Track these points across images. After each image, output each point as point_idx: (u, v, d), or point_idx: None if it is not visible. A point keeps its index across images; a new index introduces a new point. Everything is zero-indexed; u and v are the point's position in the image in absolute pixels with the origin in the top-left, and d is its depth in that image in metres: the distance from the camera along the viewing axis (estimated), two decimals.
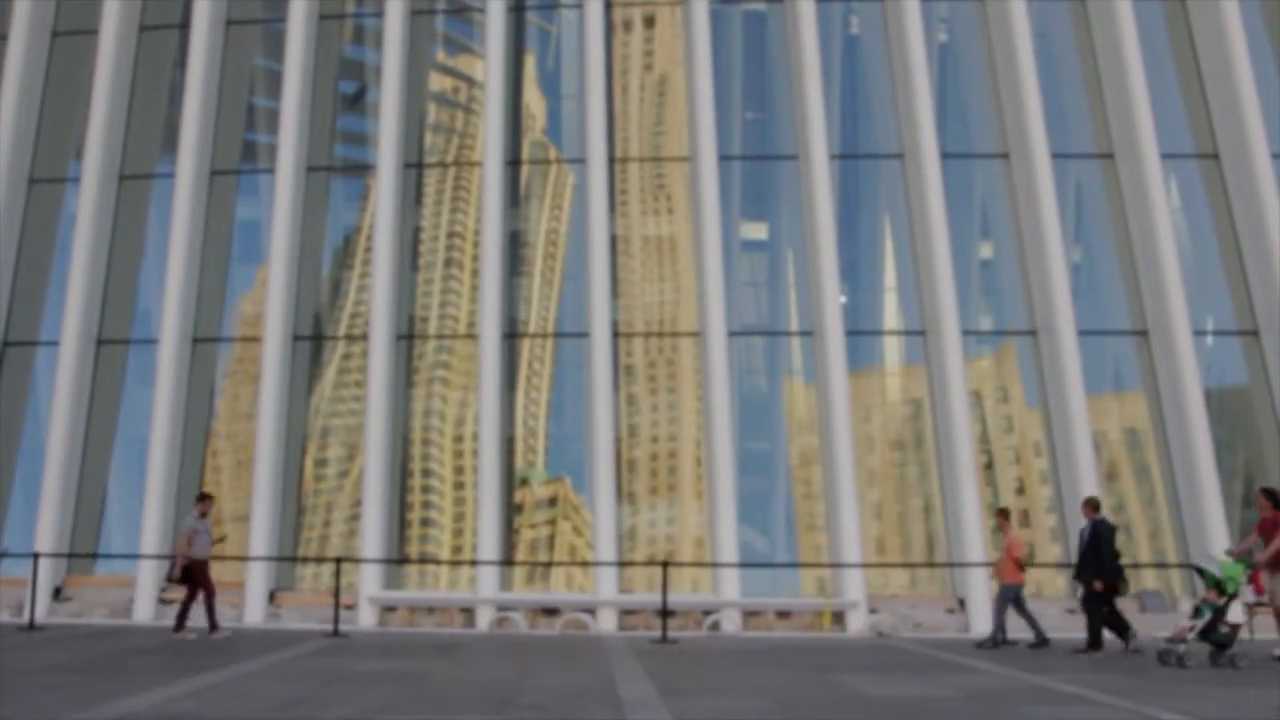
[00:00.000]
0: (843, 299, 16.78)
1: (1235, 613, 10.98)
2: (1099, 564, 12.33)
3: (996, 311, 17.85)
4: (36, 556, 14.83)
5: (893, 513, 16.82)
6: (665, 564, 14.45)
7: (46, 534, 16.09)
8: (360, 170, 18.69)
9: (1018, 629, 13.35)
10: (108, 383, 17.53)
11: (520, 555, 16.56)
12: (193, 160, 17.52)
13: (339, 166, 18.77)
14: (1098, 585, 12.30)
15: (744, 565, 15.57)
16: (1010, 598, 13.17)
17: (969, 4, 18.22)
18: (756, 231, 18.77)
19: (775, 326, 17.94)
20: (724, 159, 17.41)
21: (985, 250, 18.01)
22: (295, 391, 17.23)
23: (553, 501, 17.00)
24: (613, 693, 8.58)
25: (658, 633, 14.16)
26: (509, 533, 16.55)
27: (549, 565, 16.66)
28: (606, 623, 15.42)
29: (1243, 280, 16.69)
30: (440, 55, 19.49)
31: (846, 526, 15.26)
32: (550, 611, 15.70)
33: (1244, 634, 11.78)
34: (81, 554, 16.65)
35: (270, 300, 16.88)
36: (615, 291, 17.29)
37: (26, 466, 17.30)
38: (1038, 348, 16.60)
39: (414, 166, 18.23)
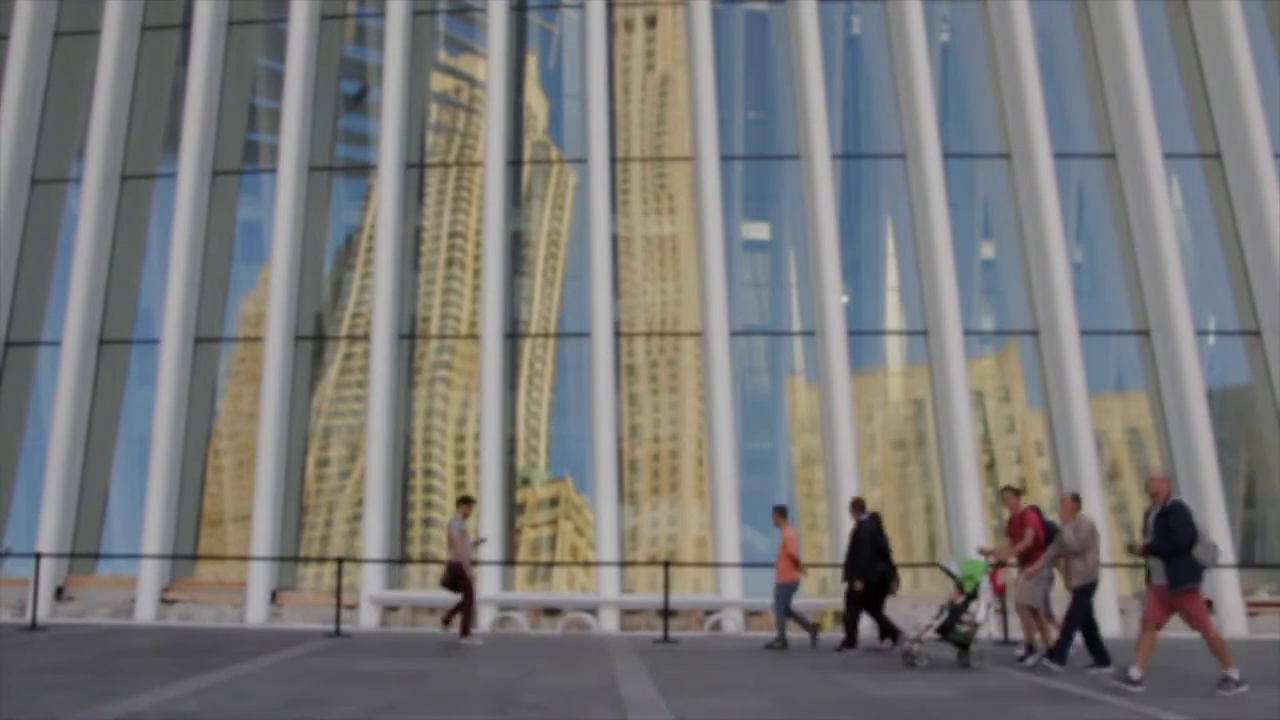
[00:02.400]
0: (845, 299, 16.77)
1: (980, 612, 10.79)
2: (857, 564, 12.15)
3: (998, 311, 17.83)
4: (38, 556, 14.84)
5: (894, 512, 16.81)
6: (667, 564, 14.45)
7: (48, 534, 16.10)
8: (362, 170, 18.69)
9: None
10: (109, 383, 17.54)
11: (522, 555, 16.56)
12: (194, 160, 17.53)
13: (341, 166, 18.77)
14: (859, 585, 12.09)
15: (746, 565, 15.56)
16: (787, 596, 12.90)
17: (971, 4, 18.21)
18: (758, 231, 18.76)
19: (777, 326, 17.93)
20: (726, 159, 17.40)
21: (987, 250, 18.00)
22: (297, 391, 17.24)
23: (554, 501, 17.00)
24: (614, 692, 8.58)
25: (660, 632, 14.16)
26: (511, 532, 16.55)
27: (551, 565, 16.66)
28: (608, 622, 15.41)
29: (1245, 280, 16.68)
30: (442, 55, 19.49)
31: (848, 526, 15.22)
32: (552, 611, 15.70)
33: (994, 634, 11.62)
34: (83, 554, 16.66)
35: (272, 300, 16.89)
36: (617, 291, 17.29)
37: (28, 466, 17.31)
38: (1039, 347, 16.59)
39: (416, 166, 18.24)
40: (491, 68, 17.53)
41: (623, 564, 15.91)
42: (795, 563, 12.87)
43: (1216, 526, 14.98)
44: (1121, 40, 16.85)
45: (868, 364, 17.36)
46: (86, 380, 17.19)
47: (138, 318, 18.01)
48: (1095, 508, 15.17)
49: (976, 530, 15.21)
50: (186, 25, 18.52)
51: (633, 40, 18.88)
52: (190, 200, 17.34)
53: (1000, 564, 11.39)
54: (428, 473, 17.10)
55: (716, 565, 15.46)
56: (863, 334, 17.24)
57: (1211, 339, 17.06)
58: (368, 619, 15.55)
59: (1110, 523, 15.84)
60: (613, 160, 17.71)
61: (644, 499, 16.79)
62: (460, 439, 17.20)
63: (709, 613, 15.35)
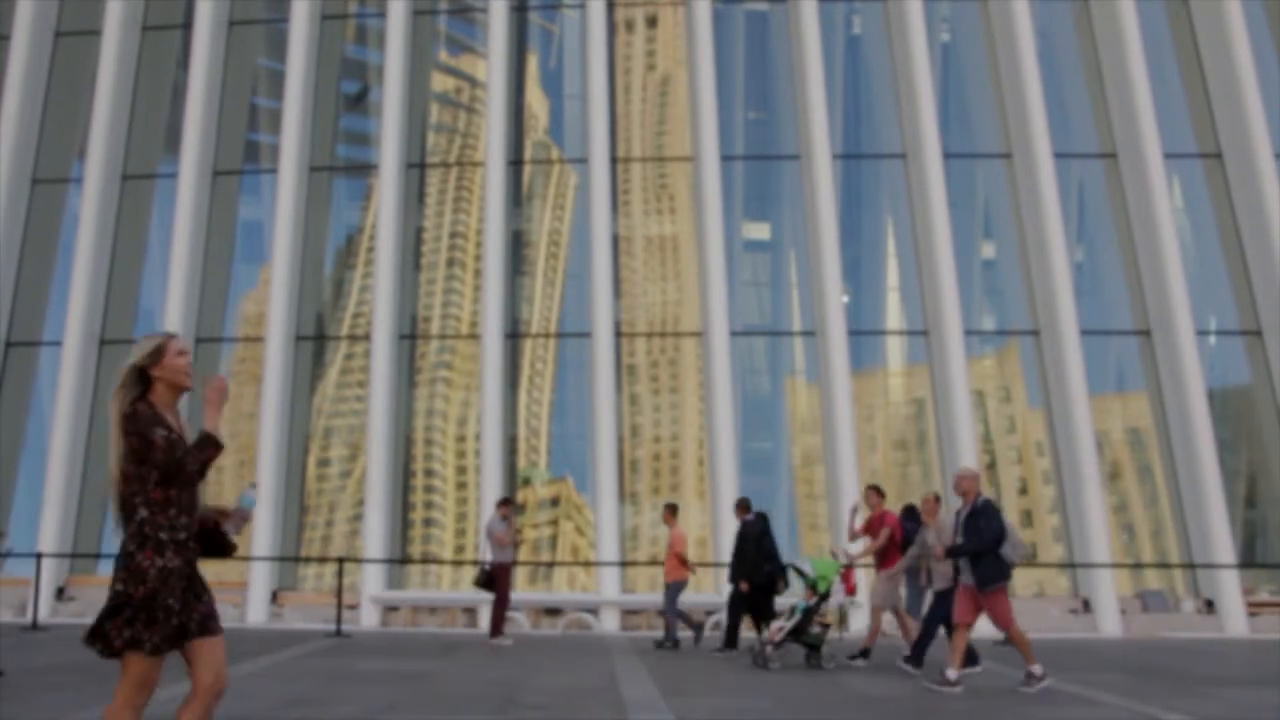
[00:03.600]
0: (845, 299, 16.77)
1: (833, 612, 10.74)
2: (742, 565, 12.07)
3: (999, 311, 17.84)
4: (40, 557, 14.84)
5: (895, 513, 16.79)
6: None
7: (50, 534, 16.11)
8: (363, 170, 18.70)
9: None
10: (111, 382, 17.48)
11: (523, 555, 16.55)
12: (195, 160, 17.54)
13: (341, 166, 18.78)
14: (743, 586, 11.94)
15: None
16: (675, 595, 12.81)
17: (971, 4, 18.21)
18: (759, 231, 18.77)
19: (778, 326, 17.94)
20: (726, 159, 17.40)
21: (988, 250, 18.00)
22: (298, 391, 17.24)
23: (555, 501, 17.01)
24: (615, 692, 8.58)
25: (660, 633, 14.14)
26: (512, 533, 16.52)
27: (551, 565, 16.67)
28: (609, 622, 15.42)
29: (1245, 280, 16.68)
30: (443, 55, 19.49)
31: (848, 526, 15.22)
32: (553, 611, 15.70)
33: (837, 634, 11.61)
34: (85, 554, 16.66)
35: (273, 300, 16.90)
36: (618, 291, 17.29)
37: (29, 467, 17.32)
38: (1040, 347, 16.59)
39: (416, 166, 18.24)
40: (492, 68, 17.53)
41: (623, 564, 15.91)
42: (683, 562, 12.84)
43: (1217, 526, 14.97)
44: (1122, 40, 16.85)
45: (868, 364, 17.37)
46: (88, 380, 17.20)
47: (139, 318, 18.03)
48: (1096, 508, 15.19)
49: None
50: (187, 25, 18.53)
51: (633, 40, 18.88)
52: (191, 200, 17.35)
53: (852, 564, 11.31)
54: (428, 473, 17.11)
55: (717, 565, 15.45)
56: (863, 334, 17.24)
57: (1212, 339, 17.06)
58: (368, 619, 15.55)
59: (1111, 522, 15.84)
60: (613, 160, 17.72)
61: (645, 499, 16.79)
62: (461, 439, 17.20)
63: (709, 613, 15.35)
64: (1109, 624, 14.86)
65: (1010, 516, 16.46)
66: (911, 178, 17.19)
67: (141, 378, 3.96)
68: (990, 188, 17.78)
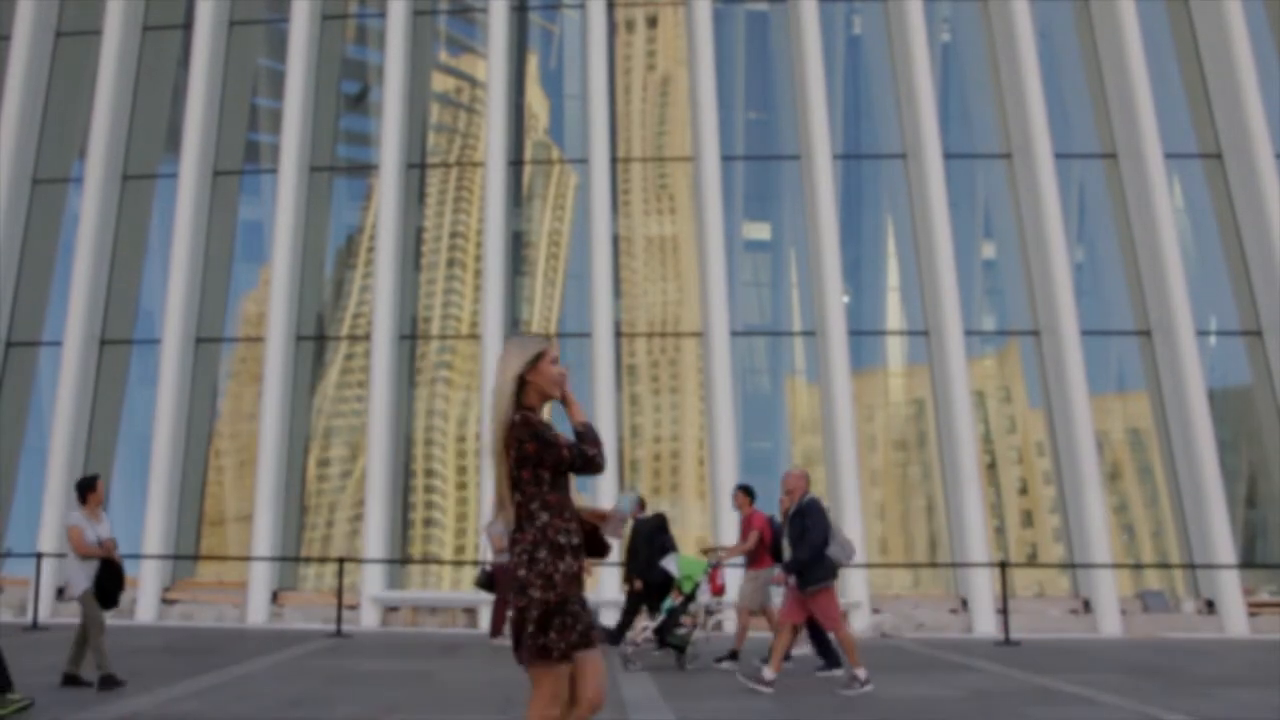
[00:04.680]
0: (845, 299, 16.77)
1: (701, 612, 10.70)
2: (634, 563, 11.99)
3: (999, 311, 17.83)
4: (39, 557, 14.85)
5: (895, 513, 16.81)
6: None
7: (49, 534, 16.08)
8: (363, 170, 18.70)
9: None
10: (110, 383, 17.55)
11: None
12: (195, 160, 17.53)
13: (342, 166, 18.78)
14: (637, 585, 11.90)
15: (747, 566, 15.52)
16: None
17: (972, 4, 18.20)
18: (759, 231, 18.77)
19: (778, 326, 17.93)
20: (727, 159, 17.39)
21: (988, 250, 17.99)
22: (298, 391, 17.24)
23: None
24: (616, 693, 8.58)
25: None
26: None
27: None
28: (609, 622, 15.39)
29: (1246, 280, 16.67)
30: (443, 55, 19.49)
31: (849, 526, 15.22)
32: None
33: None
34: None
35: (273, 300, 16.89)
36: (618, 291, 17.29)
37: (29, 467, 17.32)
38: (1040, 348, 16.59)
39: (417, 166, 18.24)
40: (492, 68, 17.53)
41: (624, 564, 15.88)
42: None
43: (1218, 526, 14.97)
44: (1122, 40, 16.85)
45: (869, 364, 17.36)
46: (87, 380, 17.20)
47: (139, 318, 18.02)
48: (1096, 508, 15.18)
49: (977, 530, 15.21)
50: (188, 25, 18.52)
51: (634, 40, 18.88)
52: (191, 200, 17.35)
53: (719, 565, 11.26)
54: (429, 473, 17.11)
55: (717, 566, 15.43)
56: (864, 334, 17.24)
57: (1212, 339, 17.06)
58: (369, 619, 15.55)
59: (1111, 523, 15.84)
60: (614, 160, 17.72)
61: (645, 499, 16.77)
62: (461, 439, 17.20)
63: (710, 613, 15.32)
64: (1109, 624, 14.86)
65: (1010, 517, 16.53)
66: (912, 178, 17.19)
67: (519, 384, 3.96)
68: (990, 188, 17.78)
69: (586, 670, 3.84)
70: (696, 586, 10.66)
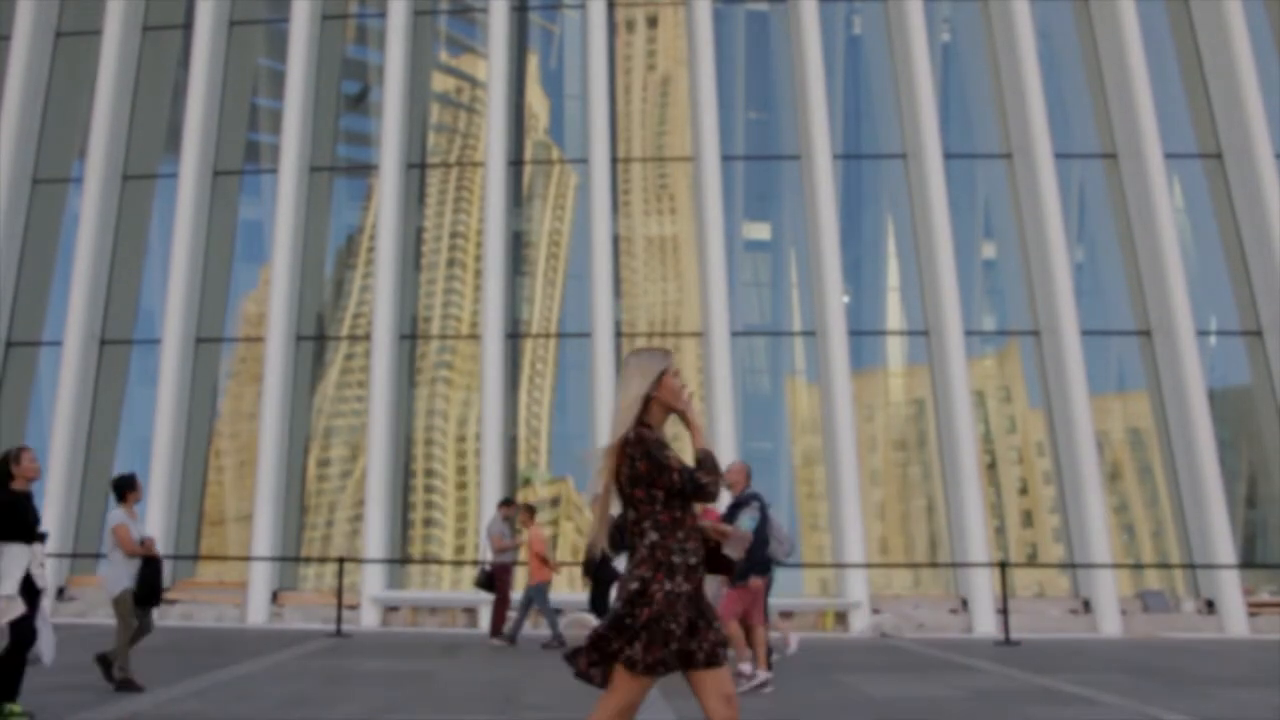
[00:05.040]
0: (846, 299, 16.77)
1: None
2: (589, 562, 11.87)
3: (999, 311, 17.83)
4: None
5: (896, 513, 16.81)
6: None
7: (50, 534, 16.07)
8: (363, 170, 18.70)
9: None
10: (111, 383, 17.54)
11: (523, 555, 16.52)
12: (196, 160, 17.53)
13: (342, 166, 18.78)
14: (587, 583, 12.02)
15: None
16: (540, 595, 12.90)
17: (972, 4, 18.20)
18: (759, 231, 18.77)
19: (778, 326, 17.93)
20: (727, 159, 17.39)
21: (988, 250, 18.00)
22: (298, 391, 17.24)
23: (556, 502, 17.00)
24: None
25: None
26: (512, 533, 16.52)
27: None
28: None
29: (1246, 280, 16.67)
30: (443, 55, 19.49)
31: (849, 526, 15.25)
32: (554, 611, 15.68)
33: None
34: (85, 554, 16.66)
35: (273, 300, 16.89)
36: (618, 291, 17.29)
37: None
38: (1040, 348, 16.58)
39: (417, 166, 18.24)
40: (493, 68, 17.53)
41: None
42: (544, 562, 12.90)
43: (1218, 526, 14.97)
44: (1123, 40, 16.84)
45: (869, 364, 17.36)
46: (88, 380, 17.20)
47: (139, 318, 18.02)
48: (1096, 508, 15.18)
49: (977, 530, 15.21)
50: (188, 25, 18.52)
51: (634, 40, 18.88)
52: (191, 200, 17.35)
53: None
54: (429, 473, 17.11)
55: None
56: (864, 334, 17.24)
57: (1213, 339, 17.06)
58: (369, 619, 15.55)
59: (1111, 523, 15.84)
60: (614, 160, 17.71)
61: None
62: (461, 439, 17.20)
63: None
64: (1109, 624, 14.86)
65: (1010, 517, 16.53)
66: (912, 178, 17.18)
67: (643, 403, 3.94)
68: (991, 188, 17.78)
69: (710, 689, 3.78)
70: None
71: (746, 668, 8.78)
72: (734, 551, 4.05)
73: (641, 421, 3.93)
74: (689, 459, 3.91)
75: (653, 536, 3.80)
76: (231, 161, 18.41)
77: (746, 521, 3.77)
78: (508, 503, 13.23)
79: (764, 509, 8.92)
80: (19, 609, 7.09)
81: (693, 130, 17.58)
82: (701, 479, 3.82)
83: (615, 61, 18.40)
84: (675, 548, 3.79)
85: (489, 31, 17.73)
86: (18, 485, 7.32)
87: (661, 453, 3.82)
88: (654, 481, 3.80)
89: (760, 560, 8.81)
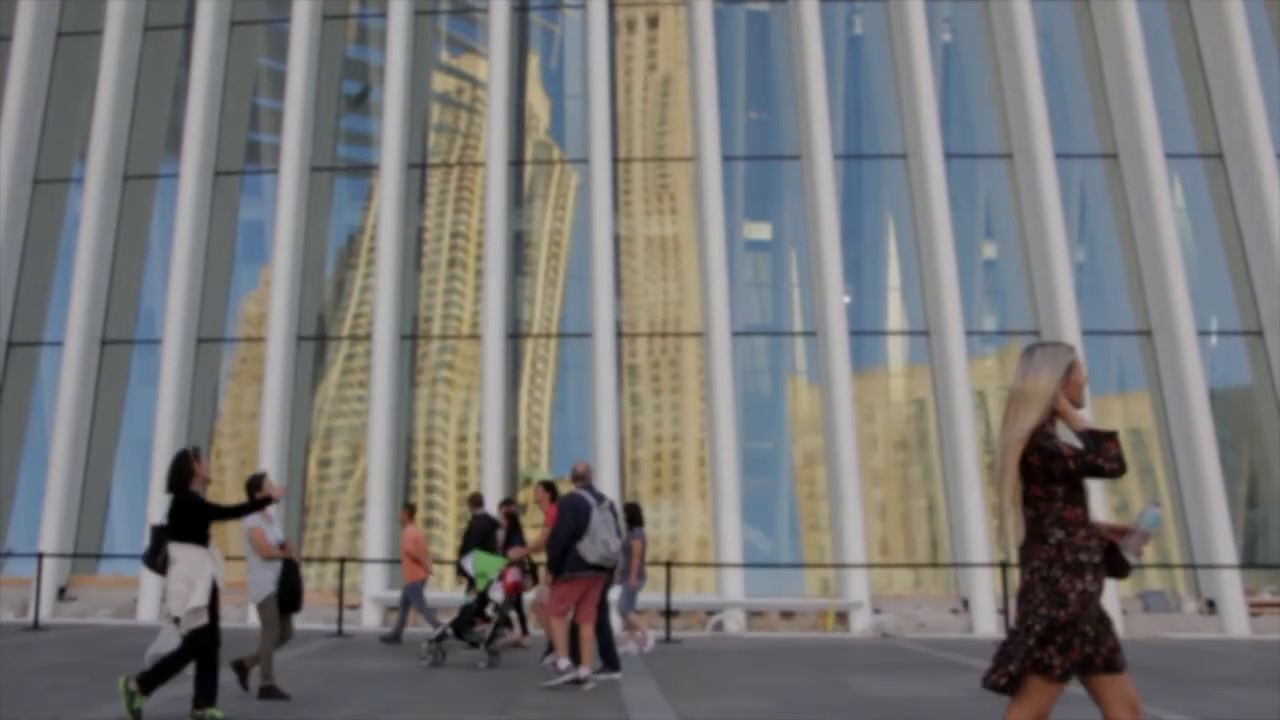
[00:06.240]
0: (846, 299, 16.77)
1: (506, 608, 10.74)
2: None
3: (1000, 311, 17.83)
4: (41, 556, 14.86)
5: (896, 513, 16.81)
6: (669, 564, 14.45)
7: (51, 534, 16.10)
8: (364, 170, 18.71)
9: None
10: (112, 383, 17.55)
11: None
12: (197, 160, 17.54)
13: (343, 167, 18.78)
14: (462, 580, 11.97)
15: (748, 565, 15.56)
16: (416, 594, 12.90)
17: (973, 4, 18.19)
18: (760, 231, 18.77)
19: (779, 326, 17.93)
20: (728, 159, 17.38)
21: (989, 250, 17.99)
22: (299, 392, 17.24)
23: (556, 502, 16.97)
24: (616, 693, 8.58)
25: (661, 633, 14.15)
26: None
27: None
28: (610, 622, 15.38)
29: (1247, 280, 16.66)
30: (444, 55, 19.50)
31: (850, 527, 15.25)
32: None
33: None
34: (86, 554, 16.67)
35: (274, 300, 16.89)
36: (619, 291, 17.29)
37: (31, 467, 17.32)
38: None
39: (418, 167, 18.24)
40: (493, 68, 17.53)
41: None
42: (416, 562, 12.90)
43: (1219, 526, 14.96)
44: (1123, 40, 16.84)
45: (869, 364, 17.36)
46: (89, 381, 17.20)
47: (140, 318, 18.03)
48: (1098, 508, 15.13)
49: (978, 530, 15.21)
50: (189, 26, 18.52)
51: (634, 40, 18.88)
52: (192, 200, 17.35)
53: (513, 563, 11.22)
54: (429, 473, 17.11)
55: (718, 565, 15.46)
56: (864, 334, 17.24)
57: (1213, 339, 17.05)
58: (369, 619, 15.55)
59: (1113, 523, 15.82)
60: (615, 160, 17.71)
61: (646, 499, 16.76)
62: (462, 439, 17.21)
63: (711, 613, 15.35)
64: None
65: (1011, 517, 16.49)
66: (912, 178, 17.18)
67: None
68: (991, 188, 17.78)
69: (1114, 696, 3.67)
70: (490, 584, 10.63)
71: (564, 663, 8.77)
72: (1132, 551, 3.84)
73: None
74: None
75: (1058, 535, 3.68)
76: (232, 162, 18.41)
77: (1147, 519, 3.66)
78: (509, 503, 13.25)
79: (588, 509, 8.67)
80: (203, 619, 6.98)
81: (693, 130, 17.57)
82: (1095, 460, 3.73)
83: (616, 61, 18.40)
84: (1081, 546, 3.67)
85: (490, 31, 17.73)
86: (196, 486, 7.21)
87: (1050, 442, 3.75)
88: (1051, 475, 3.72)
89: (571, 558, 8.63)
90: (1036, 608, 3.62)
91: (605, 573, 8.86)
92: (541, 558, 10.75)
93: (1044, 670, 3.60)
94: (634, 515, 12.10)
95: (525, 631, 12.63)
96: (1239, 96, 16.60)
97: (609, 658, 9.43)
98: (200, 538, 7.11)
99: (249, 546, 8.69)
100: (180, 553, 7.00)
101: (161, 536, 7.29)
